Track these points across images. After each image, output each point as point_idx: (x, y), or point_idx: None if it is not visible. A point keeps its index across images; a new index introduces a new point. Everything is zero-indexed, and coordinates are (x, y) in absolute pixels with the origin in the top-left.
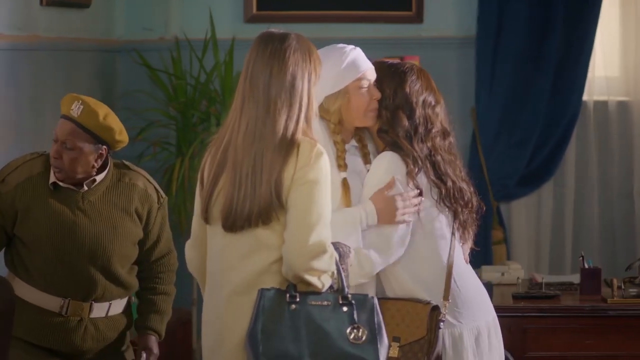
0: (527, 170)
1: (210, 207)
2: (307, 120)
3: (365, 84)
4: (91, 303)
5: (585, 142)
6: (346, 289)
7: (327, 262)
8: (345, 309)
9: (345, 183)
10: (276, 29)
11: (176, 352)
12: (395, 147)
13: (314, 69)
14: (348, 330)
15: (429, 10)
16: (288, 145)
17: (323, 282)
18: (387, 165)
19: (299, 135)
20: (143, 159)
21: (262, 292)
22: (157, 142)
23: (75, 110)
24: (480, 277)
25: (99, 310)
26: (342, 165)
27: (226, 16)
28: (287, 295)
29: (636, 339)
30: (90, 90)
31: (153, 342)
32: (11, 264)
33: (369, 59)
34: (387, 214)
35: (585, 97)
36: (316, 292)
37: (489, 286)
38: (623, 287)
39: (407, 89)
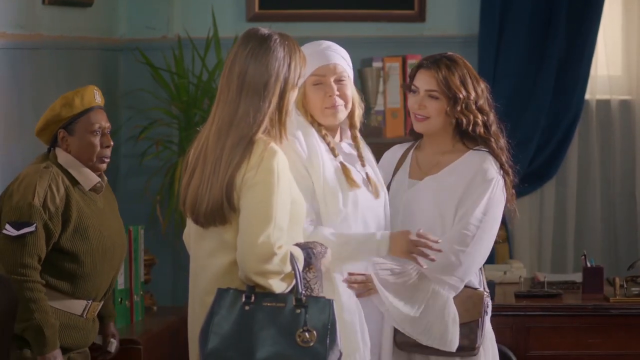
0: (530, 169)
1: (186, 199)
2: (279, 121)
3: (319, 80)
4: (101, 302)
5: (588, 141)
6: (301, 291)
7: (278, 264)
8: (298, 311)
9: (343, 166)
10: (265, 27)
11: (179, 351)
12: (495, 155)
13: (293, 71)
14: (298, 333)
15: (431, 9)
16: (246, 145)
17: (272, 284)
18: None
19: (259, 135)
20: (146, 158)
21: (219, 291)
22: (160, 140)
23: (99, 98)
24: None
25: (99, 308)
26: (335, 152)
27: (228, 15)
28: (244, 296)
29: (638, 337)
30: None
31: (114, 327)
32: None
33: (371, 57)
34: (399, 247)
35: (587, 96)
36: (273, 294)
37: (492, 285)
38: (625, 285)
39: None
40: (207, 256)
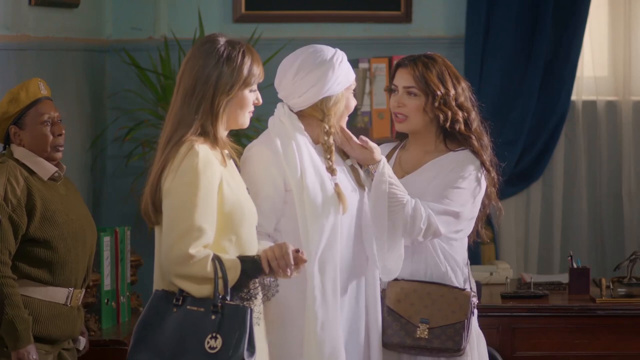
0: (516, 170)
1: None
2: (213, 127)
3: (354, 87)
4: (83, 290)
5: (574, 142)
6: (218, 296)
7: (195, 266)
8: (213, 317)
9: (338, 190)
10: (223, 34)
11: None
12: (475, 153)
13: (226, 76)
14: (207, 339)
15: (417, 10)
16: (173, 146)
17: (189, 286)
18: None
19: (189, 136)
20: (132, 159)
21: (154, 292)
22: (146, 141)
23: (44, 90)
24: None
25: (81, 296)
26: (334, 170)
27: (215, 16)
28: (174, 297)
29: (625, 338)
30: (79, 89)
31: (83, 325)
32: (14, 269)
33: (357, 58)
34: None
35: (573, 97)
36: (198, 298)
37: (478, 286)
38: (611, 286)
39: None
40: (155, 255)
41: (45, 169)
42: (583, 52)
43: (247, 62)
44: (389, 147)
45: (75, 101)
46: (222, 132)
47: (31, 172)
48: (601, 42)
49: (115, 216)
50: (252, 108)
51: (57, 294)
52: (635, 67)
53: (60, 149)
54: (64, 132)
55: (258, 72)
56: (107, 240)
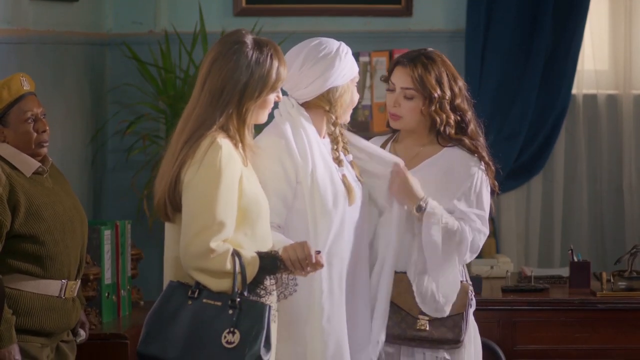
0: (517, 163)
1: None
2: (238, 130)
3: (357, 79)
4: (78, 281)
5: (575, 135)
6: (237, 291)
7: (215, 261)
8: (230, 311)
9: (346, 182)
10: (249, 31)
11: None
12: (478, 154)
13: (255, 81)
14: (225, 333)
15: (418, 4)
16: (195, 141)
17: (207, 280)
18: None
19: (211, 132)
20: (132, 152)
21: (169, 283)
22: (147, 135)
23: (27, 85)
24: (469, 271)
25: (77, 287)
26: (341, 160)
27: (215, 9)
28: (190, 290)
29: (625, 332)
30: (80, 83)
31: (84, 315)
32: (3, 265)
33: (358, 52)
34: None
35: (574, 91)
36: (215, 292)
37: (478, 279)
38: (612, 280)
39: (461, 83)
40: (166, 249)
41: (28, 164)
42: (583, 46)
43: (275, 65)
44: (381, 140)
45: (76, 95)
46: (249, 137)
47: (15, 168)
48: (602, 36)
49: (115, 210)
50: (272, 105)
51: (50, 287)
52: (636, 60)
53: (45, 144)
54: (47, 128)
55: (284, 74)
56: (107, 234)
